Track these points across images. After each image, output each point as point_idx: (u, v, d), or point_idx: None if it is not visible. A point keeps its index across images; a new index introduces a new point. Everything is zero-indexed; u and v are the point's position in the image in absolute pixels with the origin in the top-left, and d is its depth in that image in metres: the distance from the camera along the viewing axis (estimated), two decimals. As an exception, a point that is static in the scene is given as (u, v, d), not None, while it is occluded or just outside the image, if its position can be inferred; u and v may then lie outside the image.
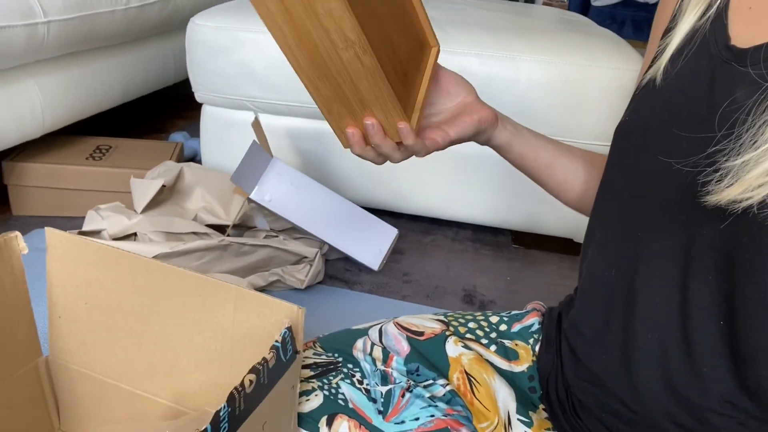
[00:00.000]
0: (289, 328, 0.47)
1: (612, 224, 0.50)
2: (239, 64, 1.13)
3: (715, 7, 0.44)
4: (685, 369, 0.44)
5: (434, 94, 0.54)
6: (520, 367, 0.59)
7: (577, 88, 1.06)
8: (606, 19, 2.33)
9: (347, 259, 1.15)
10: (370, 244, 1.02)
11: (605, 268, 0.50)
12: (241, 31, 1.12)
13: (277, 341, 0.45)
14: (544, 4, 3.00)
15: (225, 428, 0.39)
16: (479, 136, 0.56)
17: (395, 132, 0.47)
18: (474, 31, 1.13)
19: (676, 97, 0.44)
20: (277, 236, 1.03)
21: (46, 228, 0.59)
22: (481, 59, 1.07)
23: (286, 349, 0.46)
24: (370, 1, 0.42)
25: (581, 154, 0.63)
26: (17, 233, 0.56)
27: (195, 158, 1.52)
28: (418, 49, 0.52)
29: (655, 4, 2.38)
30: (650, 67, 0.48)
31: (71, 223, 1.18)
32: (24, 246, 0.56)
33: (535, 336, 0.61)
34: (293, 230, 1.06)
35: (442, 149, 0.52)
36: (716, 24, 0.43)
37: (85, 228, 0.98)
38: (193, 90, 1.20)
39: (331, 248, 1.04)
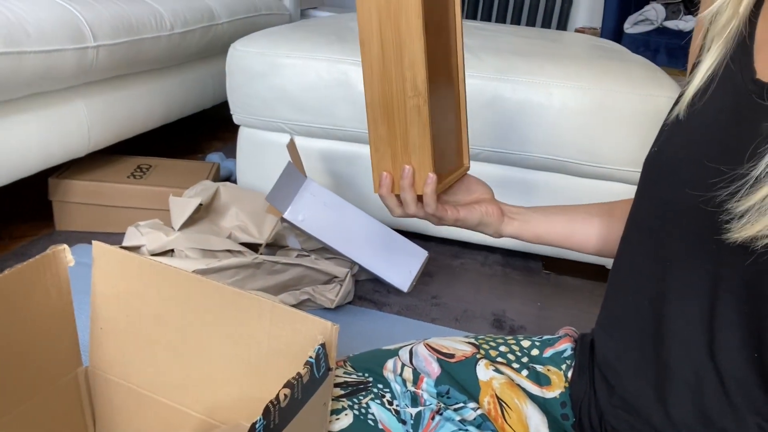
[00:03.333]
0: (323, 345, 0.48)
1: (642, 253, 0.50)
2: (276, 87, 1.16)
3: (740, 42, 0.44)
4: (719, 399, 0.43)
5: (457, 186, 0.63)
6: (552, 393, 0.58)
7: (610, 115, 1.06)
8: (640, 46, 2.32)
9: (377, 281, 1.15)
10: (400, 266, 1.02)
11: (636, 296, 0.50)
12: (279, 56, 1.16)
13: (311, 357, 0.46)
14: (577, 31, 3.01)
15: (260, 441, 0.40)
16: (487, 228, 0.64)
17: (422, 184, 0.55)
18: (507, 57, 1.14)
19: (701, 130, 0.44)
20: (308, 255, 1.04)
21: (93, 241, 0.62)
22: (513, 85, 1.08)
23: (319, 366, 0.47)
24: (438, 80, 0.53)
25: (597, 212, 0.66)
26: (65, 246, 0.58)
27: (230, 178, 1.56)
28: (456, 154, 0.61)
29: (690, 32, 2.36)
30: (677, 102, 0.48)
31: (111, 238, 1.22)
32: (71, 258, 0.59)
33: (568, 362, 0.60)
34: (324, 250, 1.07)
35: (447, 223, 0.60)
36: (742, 58, 0.43)
37: (125, 244, 1.01)
38: (231, 112, 1.24)
39: (361, 269, 1.05)
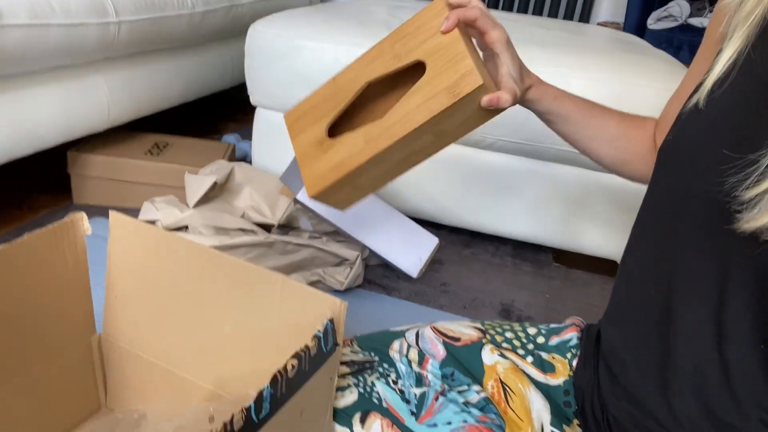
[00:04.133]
0: (331, 321, 0.48)
1: (651, 241, 0.50)
2: (295, 70, 1.17)
3: (762, 30, 0.43)
4: (723, 391, 0.43)
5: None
6: (556, 380, 0.58)
7: (628, 107, 1.05)
8: (662, 42, 2.29)
9: (386, 266, 1.16)
10: (410, 252, 1.03)
11: (643, 285, 0.50)
12: (298, 38, 1.16)
13: (319, 331, 0.47)
14: (599, 24, 2.97)
15: (266, 409, 0.40)
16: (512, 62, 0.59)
17: None
18: (526, 47, 1.13)
19: (719, 118, 0.44)
20: (320, 237, 1.05)
21: (110, 212, 0.63)
22: (532, 75, 1.07)
23: (327, 340, 0.47)
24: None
25: (616, 115, 0.66)
26: (83, 214, 0.60)
27: (245, 159, 1.57)
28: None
29: (715, 29, 2.32)
30: (696, 90, 0.47)
31: (127, 213, 1.23)
32: (88, 227, 0.60)
33: (573, 351, 0.60)
34: (336, 233, 1.08)
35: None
36: (764, 47, 0.43)
37: (140, 218, 1.03)
38: (249, 92, 1.25)
39: (372, 253, 1.06)
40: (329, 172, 0.59)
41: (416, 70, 0.57)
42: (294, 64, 1.17)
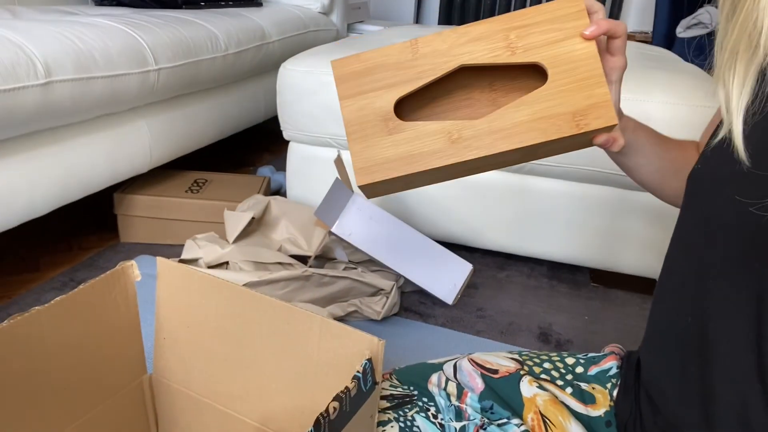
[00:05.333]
0: (370, 360, 0.50)
1: (684, 270, 0.50)
2: (324, 104, 1.21)
3: None
4: (766, 423, 0.43)
5: None
6: (596, 411, 0.58)
7: (658, 127, 1.04)
8: (693, 50, 2.25)
9: (422, 293, 1.17)
10: (445, 279, 1.04)
11: (679, 315, 0.50)
12: (326, 75, 1.20)
13: (358, 371, 0.48)
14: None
15: (311, 451, 0.42)
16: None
17: None
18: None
19: (752, 147, 0.44)
20: (355, 268, 1.07)
21: (157, 258, 0.66)
22: (559, 98, 1.08)
23: (366, 380, 0.49)
24: None
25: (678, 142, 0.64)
26: (133, 262, 0.63)
27: (280, 191, 1.62)
28: None
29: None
30: (720, 124, 0.47)
31: (171, 250, 1.29)
32: (138, 274, 0.64)
33: (613, 380, 0.60)
34: (371, 262, 1.10)
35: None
36: None
37: (184, 256, 1.07)
38: (282, 128, 1.29)
39: (407, 281, 1.08)
40: (395, 163, 0.49)
41: (527, 69, 0.49)
42: (324, 99, 1.20)
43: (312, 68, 1.21)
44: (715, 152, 0.48)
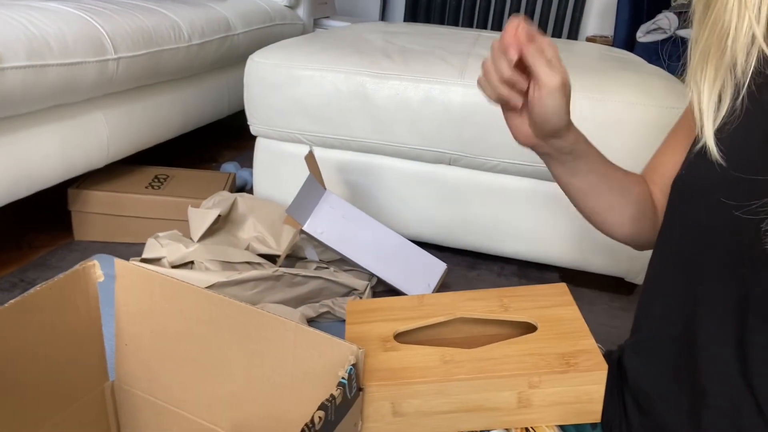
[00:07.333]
0: (354, 366, 0.48)
1: (671, 276, 0.50)
2: (294, 99, 1.17)
3: (760, 61, 0.43)
4: (758, 425, 0.43)
5: None
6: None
7: (629, 127, 1.06)
8: (652, 54, 2.31)
9: (396, 292, 1.15)
10: (419, 278, 1.02)
11: (667, 320, 0.50)
12: (296, 68, 1.16)
13: (343, 378, 0.46)
14: (588, 39, 3.00)
15: (296, 464, 0.40)
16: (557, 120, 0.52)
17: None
18: (524, 69, 1.14)
19: (731, 151, 0.44)
20: (327, 268, 1.05)
21: (115, 259, 0.62)
22: (532, 97, 1.08)
23: (351, 386, 0.47)
24: None
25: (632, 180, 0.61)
26: (95, 262, 0.59)
27: (245, 188, 1.57)
28: None
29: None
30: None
31: (129, 248, 1.23)
32: (100, 274, 0.59)
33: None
34: (342, 261, 1.07)
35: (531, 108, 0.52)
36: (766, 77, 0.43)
37: (145, 255, 1.02)
38: (249, 123, 1.25)
39: (380, 281, 1.05)
40: (388, 372, 0.52)
41: (516, 323, 0.56)
42: (294, 93, 1.17)
43: (282, 61, 1.17)
44: (698, 157, 0.47)
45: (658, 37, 2.41)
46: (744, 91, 0.43)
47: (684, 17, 2.43)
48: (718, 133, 0.44)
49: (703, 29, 0.44)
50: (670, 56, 2.32)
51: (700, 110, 0.45)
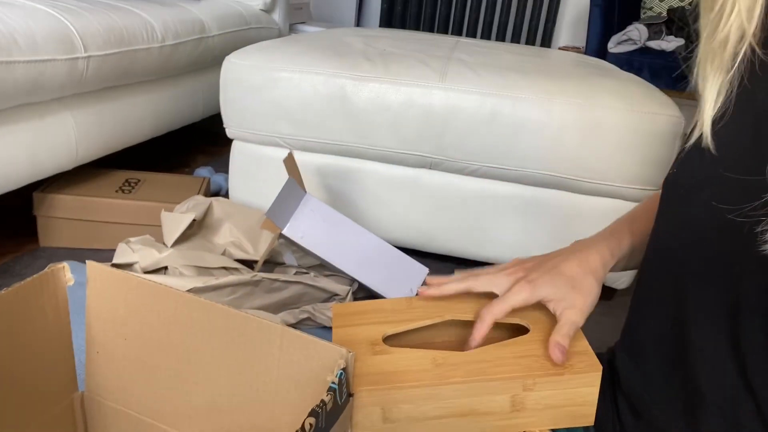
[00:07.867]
0: (344, 370, 0.45)
1: (662, 276, 0.49)
2: (273, 101, 1.15)
3: (753, 60, 0.43)
4: (756, 424, 0.42)
5: None
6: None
7: (609, 132, 1.07)
8: (623, 65, 2.36)
9: (377, 296, 1.13)
10: (401, 283, 1.00)
11: (659, 321, 0.49)
12: (274, 70, 1.14)
13: (333, 383, 0.44)
14: (560, 49, 3.05)
15: (286, 475, 0.37)
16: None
17: None
18: (505, 73, 1.14)
19: (721, 150, 0.43)
20: (307, 273, 1.02)
21: (87, 261, 0.59)
22: (514, 102, 1.08)
23: (342, 392, 0.45)
24: None
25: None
26: (65, 264, 0.55)
27: (220, 193, 1.53)
28: None
29: (672, 53, 2.41)
30: (695, 125, 0.47)
31: (98, 255, 1.18)
32: (71, 277, 0.56)
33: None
34: (323, 266, 1.05)
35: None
36: (759, 75, 0.43)
37: (116, 261, 0.98)
38: (225, 126, 1.22)
39: (362, 286, 1.03)
40: (379, 376, 0.50)
41: (506, 325, 0.55)
42: (272, 95, 1.14)
43: (259, 63, 1.15)
44: (689, 156, 0.47)
45: (628, 48, 2.46)
46: (736, 89, 0.43)
47: (654, 29, 2.49)
48: (712, 128, 0.44)
49: (710, 20, 0.44)
50: (639, 66, 2.37)
51: (702, 101, 0.45)
